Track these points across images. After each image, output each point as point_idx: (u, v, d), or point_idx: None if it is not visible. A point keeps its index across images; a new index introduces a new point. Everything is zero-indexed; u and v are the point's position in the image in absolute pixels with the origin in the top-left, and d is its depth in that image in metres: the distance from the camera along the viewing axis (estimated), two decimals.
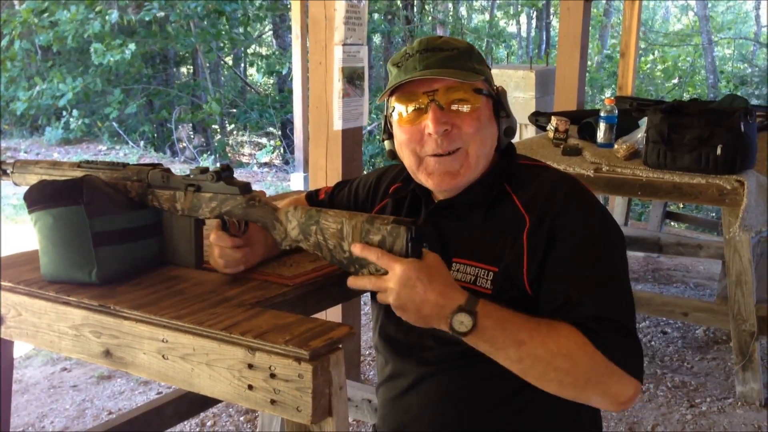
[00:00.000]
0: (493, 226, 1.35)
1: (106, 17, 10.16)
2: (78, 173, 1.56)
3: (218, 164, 1.48)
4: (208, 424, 3.06)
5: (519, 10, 16.51)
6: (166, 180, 1.49)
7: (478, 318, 1.17)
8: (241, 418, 3.10)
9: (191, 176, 1.48)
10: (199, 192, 1.46)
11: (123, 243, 1.47)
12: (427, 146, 1.34)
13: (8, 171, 1.67)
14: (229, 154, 12.16)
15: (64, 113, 10.79)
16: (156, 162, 1.64)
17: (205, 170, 1.46)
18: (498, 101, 1.39)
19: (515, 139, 6.01)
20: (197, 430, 3.03)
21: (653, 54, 15.89)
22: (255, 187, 1.46)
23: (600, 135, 3.37)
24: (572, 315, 1.23)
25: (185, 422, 3.00)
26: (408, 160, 1.39)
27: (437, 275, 1.20)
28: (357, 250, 1.25)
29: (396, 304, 1.20)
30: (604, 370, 1.20)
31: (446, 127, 1.32)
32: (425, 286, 1.18)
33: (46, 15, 10.54)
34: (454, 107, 1.33)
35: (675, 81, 14.96)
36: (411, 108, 1.35)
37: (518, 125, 5.85)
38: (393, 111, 1.38)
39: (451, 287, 1.21)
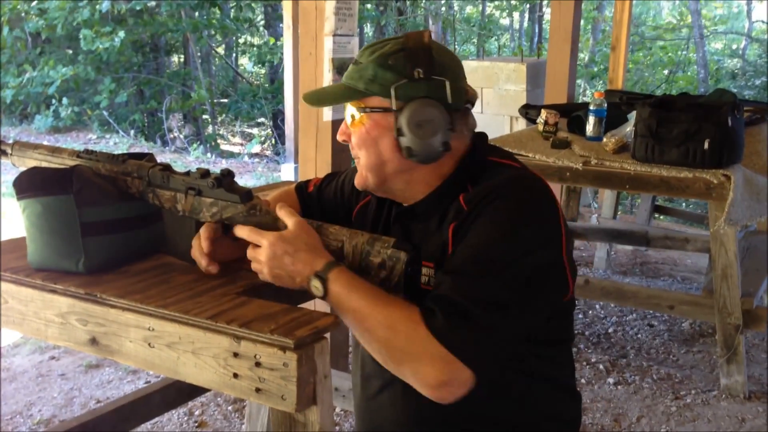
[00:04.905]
0: (445, 229, 1.35)
1: (96, 6, 10.10)
2: (74, 163, 1.56)
3: (219, 169, 1.46)
4: (197, 413, 3.07)
5: (514, 5, 16.49)
6: (166, 180, 1.48)
7: (328, 284, 1.25)
8: (230, 407, 3.11)
9: (192, 177, 1.46)
10: (200, 196, 1.45)
11: (112, 233, 1.47)
12: None
13: (7, 152, 1.65)
14: (220, 144, 12.12)
15: (53, 101, 10.72)
16: (146, 152, 1.63)
17: (206, 174, 1.44)
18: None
19: (505, 131, 6.02)
20: (185, 418, 3.04)
21: (644, 48, 15.92)
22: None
23: (589, 128, 3.38)
24: (430, 295, 1.24)
25: (173, 411, 3.01)
26: None
27: (301, 243, 1.29)
28: (236, 231, 1.36)
29: (270, 278, 1.31)
30: (420, 348, 1.17)
31: (344, 138, 1.40)
32: (292, 257, 1.28)
33: (35, 3, 10.47)
34: None
35: (665, 74, 15.00)
36: None
37: (509, 118, 5.82)
38: None
39: (315, 253, 1.29)
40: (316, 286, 1.26)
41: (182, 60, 13.86)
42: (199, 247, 1.43)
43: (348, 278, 1.26)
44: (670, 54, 15.82)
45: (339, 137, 1.41)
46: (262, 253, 1.31)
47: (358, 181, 1.42)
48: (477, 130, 1.43)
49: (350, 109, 1.37)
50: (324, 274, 1.26)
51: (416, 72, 1.30)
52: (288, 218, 1.33)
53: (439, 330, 1.17)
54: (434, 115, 1.29)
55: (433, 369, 1.17)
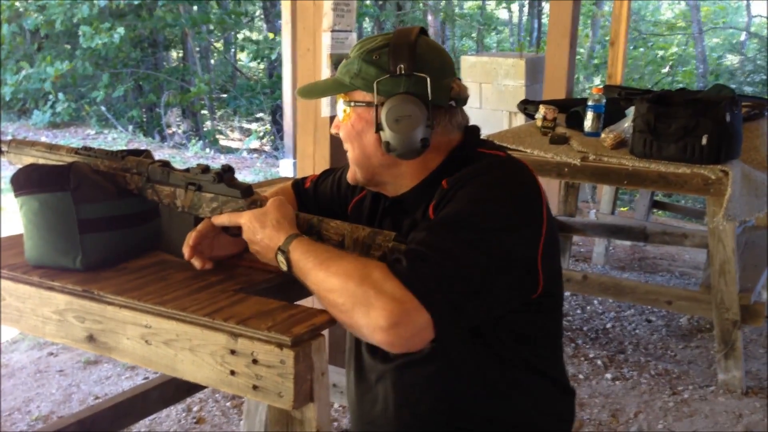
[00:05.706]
0: (427, 211, 1.37)
1: (95, 2, 10.08)
2: (72, 159, 1.55)
3: (220, 165, 1.47)
4: (195, 409, 3.08)
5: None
6: (166, 176, 1.49)
7: (289, 256, 1.28)
8: (228, 404, 3.11)
9: (192, 173, 1.47)
10: (200, 191, 1.46)
11: (109, 230, 1.47)
12: None
13: (3, 150, 1.66)
14: (219, 140, 12.10)
15: (50, 97, 10.70)
16: (143, 149, 1.64)
17: (206, 170, 1.46)
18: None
19: (504, 127, 5.99)
20: (184, 415, 3.04)
21: (644, 43, 15.89)
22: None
23: (587, 124, 3.38)
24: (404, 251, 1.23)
25: (172, 407, 3.01)
26: None
27: (267, 220, 1.33)
28: (215, 220, 1.42)
29: (253, 252, 1.37)
30: (374, 289, 1.15)
31: (336, 130, 1.43)
32: (261, 232, 1.33)
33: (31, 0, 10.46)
34: None
35: (665, 70, 14.98)
36: None
37: (508, 113, 5.80)
38: None
39: (279, 228, 1.32)
40: (281, 260, 1.29)
41: (181, 55, 13.84)
42: (188, 237, 1.43)
43: (306, 243, 1.29)
44: (669, 49, 15.80)
45: (332, 130, 1.45)
46: (244, 233, 1.36)
47: (349, 176, 1.45)
48: (473, 124, 1.43)
49: (341, 104, 1.39)
50: (285, 247, 1.28)
51: (398, 68, 1.31)
52: (270, 199, 1.38)
53: (400, 272, 1.16)
54: (412, 111, 1.30)
55: (385, 310, 1.12)
